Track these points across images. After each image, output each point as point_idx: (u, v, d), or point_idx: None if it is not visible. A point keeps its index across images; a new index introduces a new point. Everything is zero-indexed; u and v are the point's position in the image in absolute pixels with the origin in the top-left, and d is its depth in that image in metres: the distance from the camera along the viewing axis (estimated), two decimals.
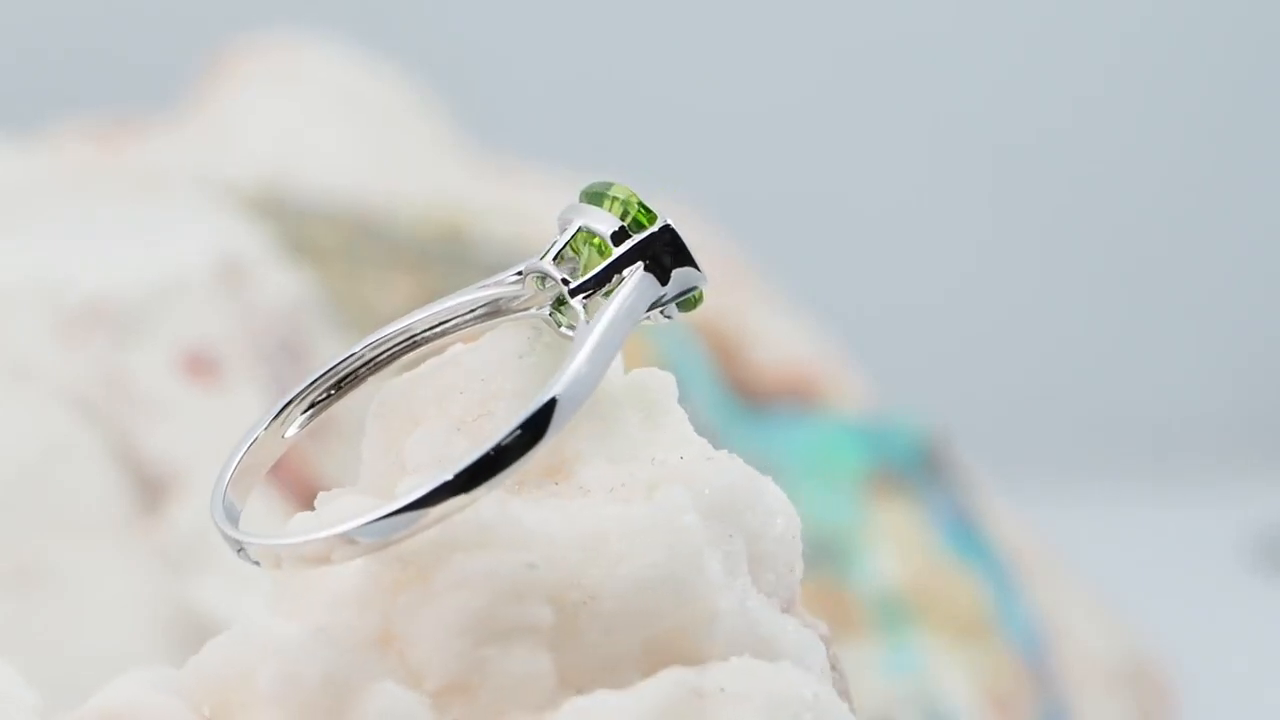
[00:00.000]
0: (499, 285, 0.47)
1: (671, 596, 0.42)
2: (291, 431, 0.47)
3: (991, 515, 0.95)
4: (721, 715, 0.41)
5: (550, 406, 0.43)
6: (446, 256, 0.93)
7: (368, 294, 0.89)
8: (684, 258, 0.46)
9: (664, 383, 0.47)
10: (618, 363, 0.46)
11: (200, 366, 0.80)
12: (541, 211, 0.92)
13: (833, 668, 0.45)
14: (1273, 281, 1.58)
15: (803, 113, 1.55)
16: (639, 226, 0.47)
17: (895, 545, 0.90)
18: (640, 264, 0.46)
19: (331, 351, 0.47)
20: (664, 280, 0.46)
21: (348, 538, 0.42)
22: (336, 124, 1.00)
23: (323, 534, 0.42)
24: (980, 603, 0.89)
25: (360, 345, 0.47)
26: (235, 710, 0.43)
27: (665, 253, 0.46)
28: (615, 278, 0.46)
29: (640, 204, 0.47)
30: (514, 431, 0.42)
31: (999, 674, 0.87)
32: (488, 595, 0.42)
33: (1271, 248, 1.58)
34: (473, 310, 0.47)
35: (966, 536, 0.91)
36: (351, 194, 0.94)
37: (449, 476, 0.42)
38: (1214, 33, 1.57)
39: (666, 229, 0.46)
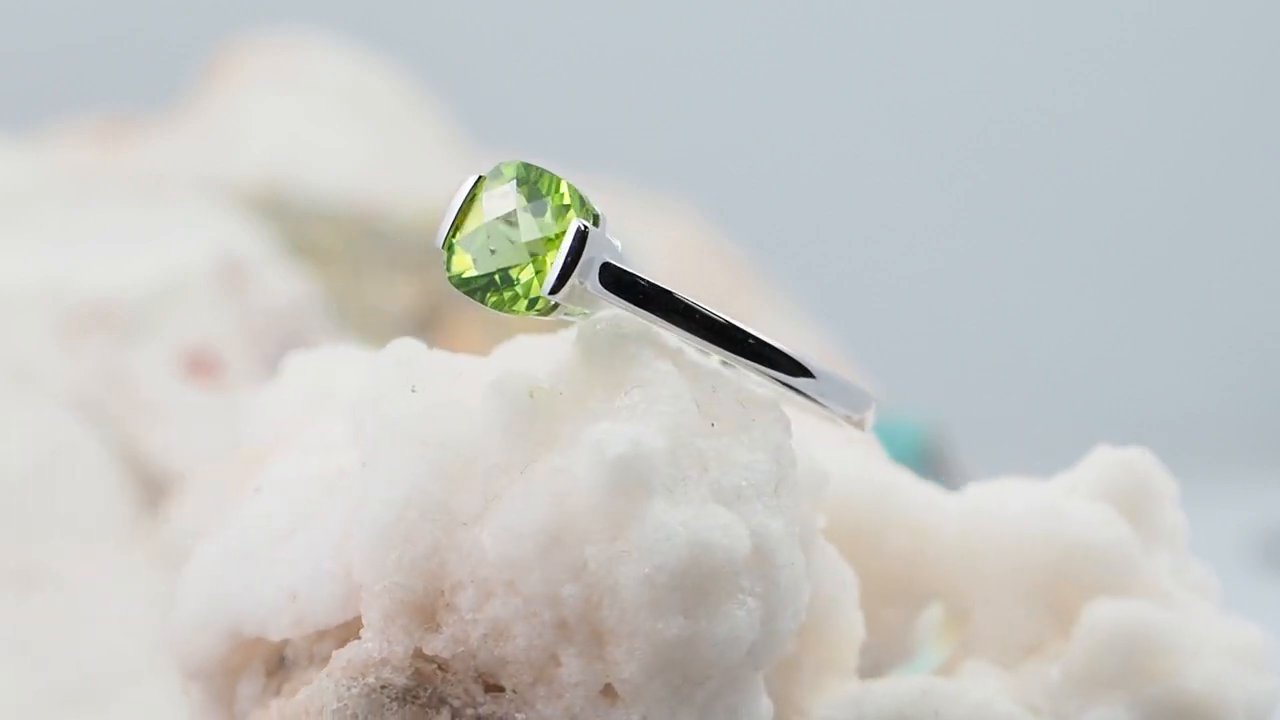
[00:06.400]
0: None
1: None
2: None
3: None
4: None
5: None
6: None
7: (369, 294, 0.89)
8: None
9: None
10: None
11: (201, 367, 0.80)
12: None
13: None
14: (1273, 281, 1.58)
15: (803, 113, 1.55)
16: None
17: None
18: None
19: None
20: None
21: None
22: (337, 124, 1.00)
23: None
24: None
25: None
26: None
27: None
28: None
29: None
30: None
31: None
32: None
33: (1271, 248, 1.58)
34: None
35: None
36: (352, 194, 0.94)
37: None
38: (1217, 32, 1.57)
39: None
